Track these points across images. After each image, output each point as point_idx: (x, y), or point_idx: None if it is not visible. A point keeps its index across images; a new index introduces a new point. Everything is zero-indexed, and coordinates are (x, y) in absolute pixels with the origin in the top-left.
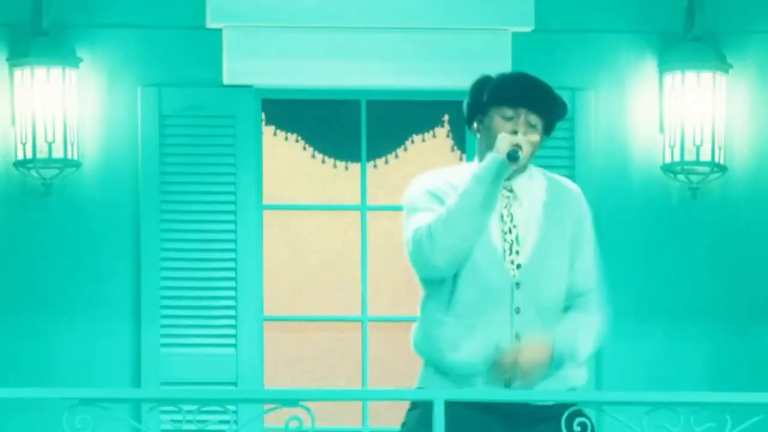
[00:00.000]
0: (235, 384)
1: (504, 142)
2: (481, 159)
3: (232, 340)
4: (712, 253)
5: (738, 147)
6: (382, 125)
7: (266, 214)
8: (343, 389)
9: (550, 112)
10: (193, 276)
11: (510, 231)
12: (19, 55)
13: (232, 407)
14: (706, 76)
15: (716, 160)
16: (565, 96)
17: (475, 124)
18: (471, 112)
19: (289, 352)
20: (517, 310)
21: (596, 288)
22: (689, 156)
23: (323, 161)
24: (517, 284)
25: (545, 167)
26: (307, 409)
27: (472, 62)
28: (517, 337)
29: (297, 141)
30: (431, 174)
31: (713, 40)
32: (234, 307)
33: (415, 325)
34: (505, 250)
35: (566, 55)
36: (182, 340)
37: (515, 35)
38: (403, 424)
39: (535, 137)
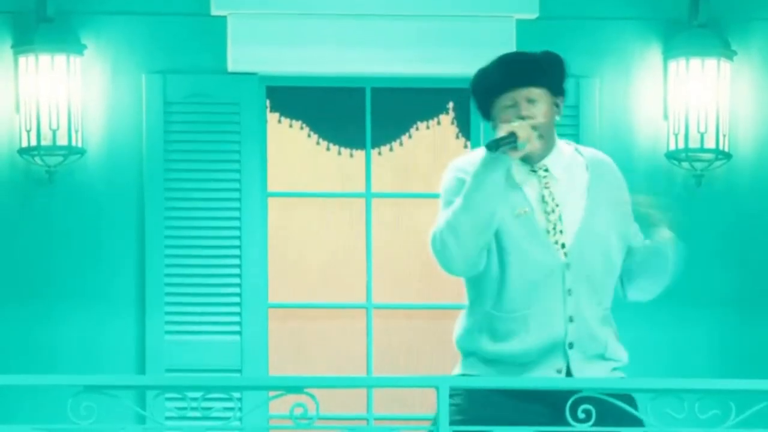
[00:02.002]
0: (239, 371)
1: (500, 131)
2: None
3: (236, 328)
4: (716, 240)
5: (742, 134)
6: (387, 112)
7: (271, 201)
8: (348, 376)
9: (544, 80)
10: (198, 263)
11: (553, 211)
12: (23, 42)
13: (236, 394)
14: (711, 63)
15: (721, 147)
16: (569, 84)
17: (491, 122)
18: (482, 113)
19: (294, 340)
20: (569, 292)
21: None
22: (694, 143)
23: (328, 148)
24: (567, 265)
25: None
26: (312, 396)
27: (477, 49)
28: (571, 320)
29: (302, 128)
30: (467, 158)
31: (718, 27)
32: (239, 295)
33: (460, 319)
34: (549, 231)
35: (570, 42)
36: (187, 327)
37: (519, 22)
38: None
39: (536, 120)
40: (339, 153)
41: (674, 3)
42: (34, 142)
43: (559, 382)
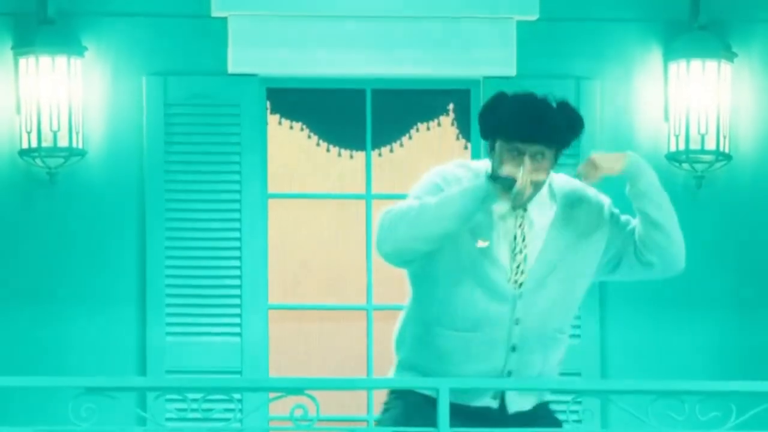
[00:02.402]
0: (240, 372)
1: (504, 169)
2: (492, 168)
3: (237, 329)
4: (717, 241)
5: (743, 135)
6: (387, 114)
7: (271, 202)
8: (348, 378)
9: (560, 140)
10: (199, 265)
11: (521, 251)
12: (24, 44)
13: (237, 396)
14: (711, 64)
15: (721, 148)
16: (569, 85)
17: (487, 143)
18: (483, 131)
19: (294, 341)
20: (517, 321)
21: None
22: (694, 145)
23: (328, 150)
24: (520, 295)
25: None
26: (312, 398)
27: (477, 51)
28: (513, 349)
29: (302, 130)
30: (448, 168)
31: (718, 28)
32: (239, 296)
33: (400, 324)
34: (512, 269)
35: (571, 44)
36: (187, 328)
37: (520, 24)
38: (385, 410)
39: (540, 177)
40: (339, 154)
41: (675, 5)
42: (34, 144)
43: (560, 383)
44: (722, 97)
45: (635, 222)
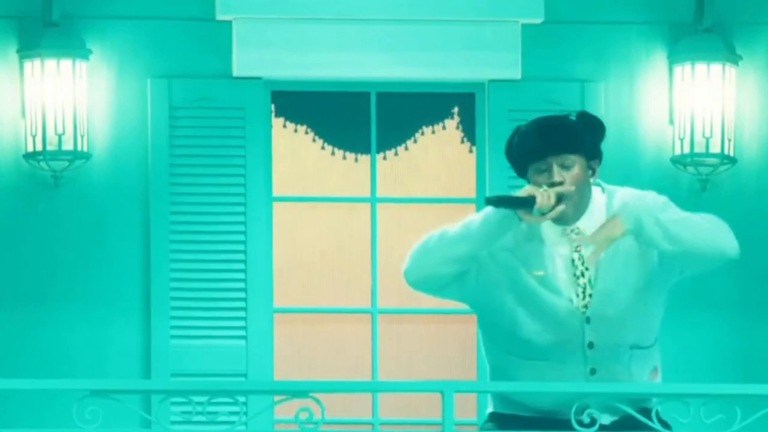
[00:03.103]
0: (245, 375)
1: (522, 192)
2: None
3: (242, 332)
4: None
5: (747, 139)
6: (392, 117)
7: (276, 205)
8: (353, 381)
9: (581, 146)
10: (203, 268)
11: (582, 275)
12: (29, 47)
13: (242, 399)
14: (716, 67)
15: (726, 152)
16: (574, 88)
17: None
18: (516, 169)
19: (299, 344)
20: (590, 345)
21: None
22: (699, 148)
23: (333, 153)
24: (587, 320)
25: None
26: (317, 401)
27: (482, 54)
28: (592, 372)
29: (306, 133)
30: None
31: (723, 31)
32: (244, 299)
33: (483, 347)
34: (577, 294)
35: (576, 47)
36: (192, 331)
37: (525, 27)
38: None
39: (566, 188)
40: (344, 157)
41: (679, 7)
42: (39, 147)
43: (564, 387)
44: (727, 100)
45: None
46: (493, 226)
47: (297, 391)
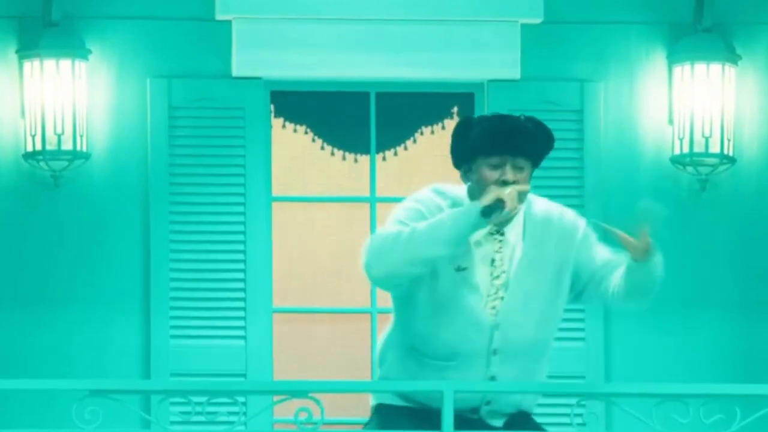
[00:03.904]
0: (244, 375)
1: (490, 195)
2: (471, 198)
3: (241, 332)
4: (720, 244)
5: (747, 138)
6: (391, 117)
7: (275, 205)
8: (352, 381)
9: (537, 153)
10: (203, 268)
11: (498, 276)
12: (28, 47)
13: (241, 399)
14: (716, 67)
15: (725, 151)
16: (574, 87)
17: (462, 171)
18: (456, 159)
19: (298, 344)
20: (494, 352)
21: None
22: (698, 148)
23: (332, 153)
24: (497, 325)
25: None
26: (316, 401)
27: (482, 54)
28: (492, 379)
29: (306, 133)
30: (429, 195)
31: (722, 31)
32: (243, 299)
33: (381, 345)
34: (489, 294)
35: (575, 47)
36: (192, 331)
37: (524, 27)
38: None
39: (525, 187)
40: (343, 157)
41: (679, 7)
42: (39, 147)
43: (565, 386)
44: (726, 100)
45: (613, 259)
46: (467, 231)
47: (296, 391)
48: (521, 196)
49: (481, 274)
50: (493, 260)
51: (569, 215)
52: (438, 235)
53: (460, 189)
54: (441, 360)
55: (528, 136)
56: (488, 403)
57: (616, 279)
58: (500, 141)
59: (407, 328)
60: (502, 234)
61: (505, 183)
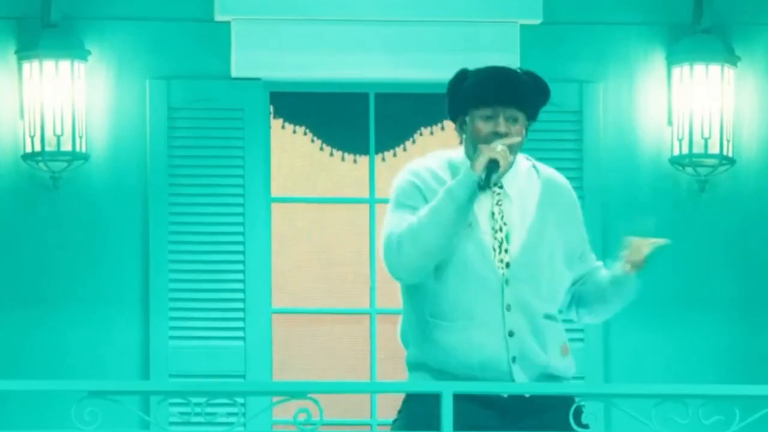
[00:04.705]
0: (243, 376)
1: (482, 158)
2: (467, 155)
3: (240, 333)
4: (719, 245)
5: (746, 139)
6: (391, 118)
7: (274, 206)
8: (352, 382)
9: (530, 104)
10: (202, 268)
11: (500, 229)
12: (27, 48)
13: (240, 400)
14: (715, 68)
15: (724, 152)
16: (573, 88)
17: (457, 124)
18: (451, 113)
19: (297, 345)
20: (508, 308)
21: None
22: (697, 149)
23: (331, 154)
24: (506, 281)
25: (553, 160)
26: (316, 402)
27: (481, 55)
28: (510, 334)
29: (305, 134)
30: (421, 163)
31: (722, 32)
32: (242, 300)
33: (401, 324)
34: (494, 249)
35: (574, 48)
36: (191, 332)
37: (523, 27)
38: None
39: (515, 139)
40: (343, 158)
41: (678, 8)
42: (38, 148)
43: (564, 387)
44: (725, 100)
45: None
46: (469, 203)
47: (295, 392)
48: (513, 149)
49: (484, 229)
50: (492, 213)
51: (571, 188)
52: (442, 220)
53: (456, 152)
54: (460, 320)
55: (520, 85)
56: (514, 359)
57: (588, 286)
58: (491, 91)
59: (420, 297)
60: (501, 187)
61: (497, 135)
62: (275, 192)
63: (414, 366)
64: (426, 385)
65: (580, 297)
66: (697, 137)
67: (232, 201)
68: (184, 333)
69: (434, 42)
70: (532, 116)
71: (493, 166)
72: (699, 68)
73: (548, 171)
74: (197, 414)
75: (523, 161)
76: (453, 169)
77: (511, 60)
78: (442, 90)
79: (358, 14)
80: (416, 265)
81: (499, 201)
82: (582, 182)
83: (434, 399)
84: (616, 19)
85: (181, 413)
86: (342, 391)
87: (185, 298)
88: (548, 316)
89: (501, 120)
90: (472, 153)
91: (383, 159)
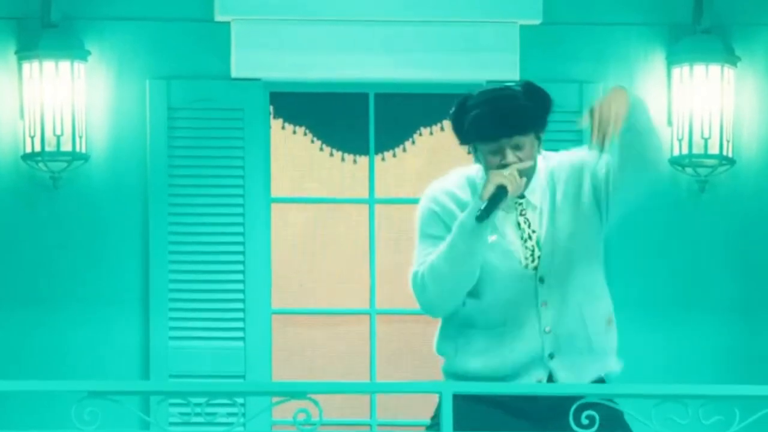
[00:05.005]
0: (243, 377)
1: (489, 186)
2: (484, 171)
3: (240, 333)
4: (720, 245)
5: (746, 140)
6: (390, 118)
7: (274, 206)
8: (351, 382)
9: (534, 126)
10: (202, 269)
11: (530, 237)
12: (27, 48)
13: (240, 400)
14: (715, 69)
15: (724, 153)
16: (573, 89)
17: (469, 148)
18: (460, 139)
19: (297, 346)
20: (545, 304)
21: None
22: (697, 149)
23: (331, 154)
24: (541, 279)
25: None
26: (315, 402)
27: (480, 55)
28: (547, 331)
29: (305, 134)
30: (439, 186)
31: (721, 32)
32: (242, 300)
33: (438, 332)
34: (526, 258)
35: (574, 48)
36: (190, 333)
37: (523, 28)
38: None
39: (524, 164)
40: (342, 159)
41: (678, 8)
42: (38, 148)
43: (564, 387)
44: (725, 101)
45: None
46: (480, 231)
47: (295, 392)
48: (522, 173)
49: (511, 239)
50: (519, 224)
51: (578, 156)
52: (459, 252)
53: (474, 168)
54: (496, 327)
55: (520, 114)
56: (551, 356)
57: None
58: (491, 129)
59: (456, 314)
60: (522, 197)
61: (506, 166)
62: (275, 192)
63: (451, 375)
64: (426, 385)
65: (616, 180)
66: (697, 137)
67: (231, 201)
68: (184, 333)
69: (434, 42)
70: (540, 128)
71: (501, 192)
72: (699, 68)
73: (551, 161)
74: (197, 414)
75: (541, 163)
76: (472, 186)
77: (511, 60)
78: (442, 90)
79: (358, 14)
80: (444, 300)
81: (522, 211)
82: None
83: (468, 403)
84: (616, 19)
85: (181, 413)
86: (342, 392)
87: (185, 299)
88: (590, 297)
89: (507, 151)
90: (487, 170)
91: (383, 159)
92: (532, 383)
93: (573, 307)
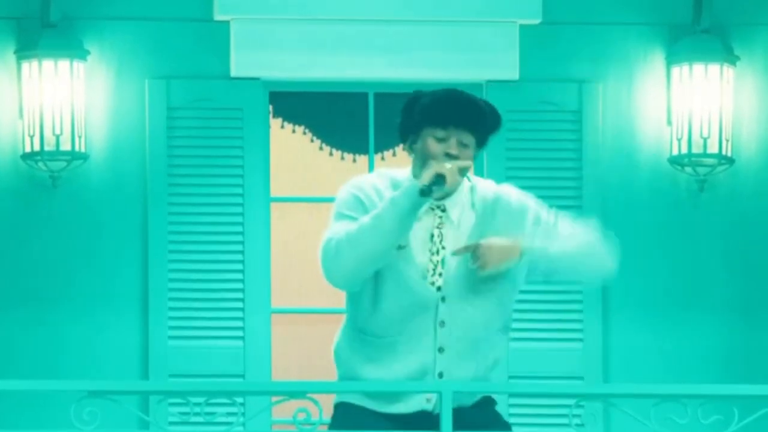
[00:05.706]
0: (242, 376)
1: (430, 170)
2: (414, 175)
3: (239, 333)
4: (719, 245)
5: (745, 139)
6: (390, 118)
7: (273, 206)
8: (351, 381)
9: (482, 130)
10: (201, 268)
11: (437, 252)
12: (27, 48)
13: (239, 399)
14: (714, 68)
15: (723, 152)
16: (572, 88)
17: (408, 143)
18: (403, 131)
19: (297, 345)
20: (441, 324)
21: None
22: (697, 148)
23: (330, 154)
24: (443, 298)
25: (553, 160)
26: (315, 401)
27: (480, 54)
28: (440, 350)
29: (304, 133)
30: (366, 178)
31: (721, 32)
32: (242, 300)
33: (339, 332)
34: (428, 270)
35: (574, 48)
36: (190, 332)
37: (523, 27)
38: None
39: (467, 163)
40: (342, 158)
41: (677, 8)
42: (37, 148)
43: (563, 387)
44: (725, 100)
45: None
46: (411, 214)
47: (294, 391)
48: (462, 172)
49: (419, 249)
50: (432, 236)
51: (516, 196)
52: (384, 227)
53: (401, 172)
54: (390, 336)
55: (476, 109)
56: (441, 375)
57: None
58: (447, 111)
59: (356, 313)
60: (443, 210)
61: (448, 156)
62: (274, 192)
63: (342, 376)
64: (426, 385)
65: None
66: (696, 137)
67: (231, 201)
68: (183, 333)
69: (434, 42)
70: (481, 143)
71: (439, 180)
72: (698, 68)
73: (485, 190)
74: (196, 414)
75: (466, 184)
76: (396, 187)
77: (511, 60)
78: None
79: (357, 14)
80: (352, 270)
81: (440, 224)
82: (581, 182)
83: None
84: (615, 19)
85: (181, 413)
86: (341, 391)
87: (184, 298)
88: (490, 330)
89: (453, 142)
90: (419, 173)
91: (383, 158)
92: (531, 383)
93: (469, 336)
